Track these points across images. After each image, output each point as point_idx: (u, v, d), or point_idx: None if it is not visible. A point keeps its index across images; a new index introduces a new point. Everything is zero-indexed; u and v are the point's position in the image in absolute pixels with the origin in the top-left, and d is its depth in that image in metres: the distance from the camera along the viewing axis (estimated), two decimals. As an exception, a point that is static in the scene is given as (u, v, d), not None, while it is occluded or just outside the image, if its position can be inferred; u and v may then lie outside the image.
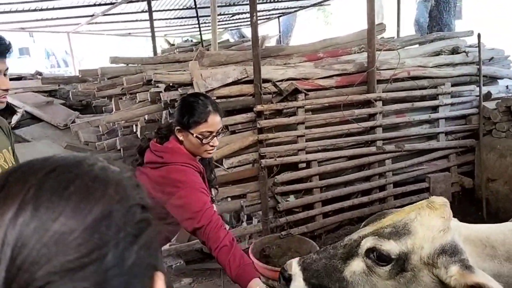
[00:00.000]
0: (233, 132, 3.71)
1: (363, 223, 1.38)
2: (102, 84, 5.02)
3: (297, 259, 1.38)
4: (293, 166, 3.91)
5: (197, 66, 3.60)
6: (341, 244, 1.31)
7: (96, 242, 0.43)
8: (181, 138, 1.90)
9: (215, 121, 1.89)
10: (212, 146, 1.92)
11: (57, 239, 0.42)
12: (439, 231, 1.19)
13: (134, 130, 4.93)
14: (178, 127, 1.88)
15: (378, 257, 1.20)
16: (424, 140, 4.50)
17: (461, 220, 4.24)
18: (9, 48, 1.55)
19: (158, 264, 0.51)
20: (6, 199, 0.44)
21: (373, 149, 4.12)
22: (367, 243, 1.23)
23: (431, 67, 4.45)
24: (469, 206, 4.52)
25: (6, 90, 1.60)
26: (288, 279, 1.34)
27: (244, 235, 3.95)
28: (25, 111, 5.90)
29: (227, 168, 3.73)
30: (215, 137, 1.92)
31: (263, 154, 3.70)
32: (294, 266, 1.34)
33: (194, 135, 1.85)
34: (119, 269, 0.44)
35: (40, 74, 7.98)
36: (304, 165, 3.91)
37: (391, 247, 1.19)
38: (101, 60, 7.09)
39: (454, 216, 4.09)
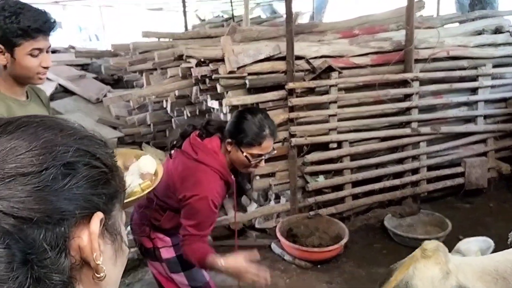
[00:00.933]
0: (263, 110, 3.66)
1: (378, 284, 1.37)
2: (133, 59, 5.02)
3: None
4: (324, 146, 3.84)
5: (229, 42, 3.54)
6: None
7: (42, 160, 0.50)
8: (229, 149, 1.88)
9: (268, 145, 1.87)
10: (257, 166, 1.91)
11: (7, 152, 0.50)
12: (439, 280, 1.19)
13: (164, 106, 4.95)
14: (230, 140, 1.86)
15: None
16: (461, 123, 4.33)
17: (496, 207, 4.10)
18: (54, 25, 1.58)
19: (106, 209, 0.56)
20: None
21: (407, 130, 3.99)
22: None
23: (472, 47, 4.24)
24: (505, 193, 4.37)
25: (47, 67, 1.63)
26: None
27: (272, 214, 3.94)
28: (59, 84, 6.00)
29: (257, 146, 3.69)
30: (263, 160, 1.90)
31: (294, 133, 3.64)
32: None
33: (244, 154, 1.83)
34: (56, 184, 0.50)
35: (73, 47, 8.06)
36: (335, 145, 3.84)
37: None
38: (133, 34, 7.10)
39: (489, 203, 3.94)
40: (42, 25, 1.55)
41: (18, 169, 0.49)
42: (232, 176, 1.96)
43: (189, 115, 4.71)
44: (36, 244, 0.47)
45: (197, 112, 4.60)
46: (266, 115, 1.95)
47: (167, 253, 2.10)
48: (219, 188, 1.88)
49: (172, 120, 5.13)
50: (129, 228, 2.25)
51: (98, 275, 0.54)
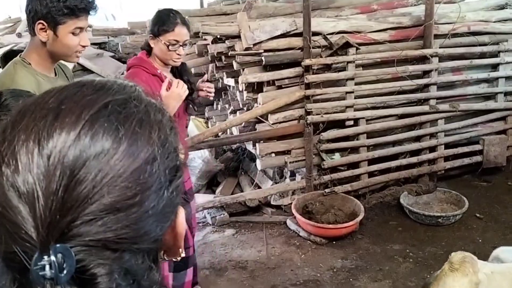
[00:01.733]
0: (279, 87, 3.65)
1: None
2: (150, 37, 5.02)
3: None
4: (340, 124, 3.82)
5: (245, 18, 3.51)
6: None
7: (141, 186, 0.45)
8: (152, 45, 2.20)
9: (181, 32, 2.17)
10: (178, 54, 2.19)
11: (111, 177, 0.43)
12: None
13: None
14: (151, 35, 2.19)
15: None
16: (481, 100, 4.25)
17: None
18: (96, 6, 1.64)
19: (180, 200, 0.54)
20: (62, 128, 0.44)
21: (425, 108, 3.94)
22: None
23: (493, 22, 4.13)
24: (525, 171, 4.31)
25: (85, 46, 1.68)
26: None
27: (287, 191, 3.97)
28: (77, 62, 6.06)
29: (272, 124, 3.69)
30: (181, 47, 2.19)
31: (310, 110, 3.63)
32: None
33: (163, 41, 2.14)
34: (153, 211, 0.46)
35: (90, 26, 8.09)
36: (351, 122, 3.82)
37: None
38: (150, 13, 7.07)
39: (508, 181, 3.90)
40: (88, 4, 1.60)
41: (112, 204, 0.44)
42: (162, 72, 2.23)
43: (205, 93, 4.72)
44: (137, 269, 0.46)
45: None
46: (177, 11, 2.27)
47: None
48: (143, 77, 2.17)
49: (189, 98, 5.14)
50: None
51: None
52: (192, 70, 4.36)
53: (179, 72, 2.37)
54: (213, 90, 2.52)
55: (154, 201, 0.46)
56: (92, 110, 0.45)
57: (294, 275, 3.13)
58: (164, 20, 2.16)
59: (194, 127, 4.55)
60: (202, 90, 2.53)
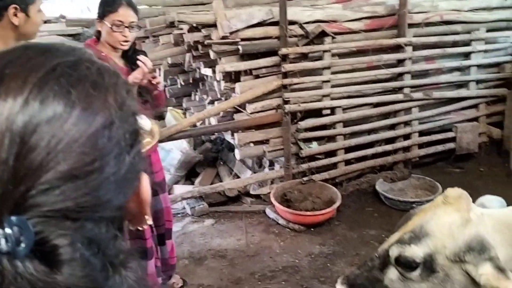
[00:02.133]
0: (257, 77, 3.66)
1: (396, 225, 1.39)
2: (125, 27, 4.95)
3: (339, 279, 1.41)
4: (317, 113, 3.86)
5: (221, 6, 3.50)
6: (376, 255, 1.35)
7: (99, 152, 0.43)
8: (99, 28, 2.19)
9: (126, 13, 2.16)
10: (124, 36, 2.15)
11: (65, 143, 0.41)
12: (457, 227, 1.18)
13: (158, 75, 4.91)
14: (97, 18, 2.19)
15: (405, 263, 1.22)
16: (453, 88, 4.35)
17: (487, 171, 4.16)
18: None
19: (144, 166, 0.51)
20: (7, 93, 0.41)
21: (400, 96, 4.01)
22: (393, 252, 1.25)
23: (466, 11, 4.21)
24: (496, 157, 4.44)
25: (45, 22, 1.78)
26: None
27: (266, 180, 4.00)
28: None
29: (250, 113, 3.71)
30: (127, 29, 2.15)
31: (287, 99, 3.66)
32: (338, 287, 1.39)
33: (108, 24, 2.13)
34: (115, 177, 0.44)
35: (64, 17, 7.92)
36: (328, 111, 3.86)
37: (414, 251, 1.20)
38: (124, 3, 6.95)
39: (480, 167, 3.99)
40: None
41: (69, 171, 0.41)
42: (111, 57, 2.19)
43: (182, 83, 4.69)
44: (101, 238, 0.44)
45: (191, 80, 4.59)
46: None
47: None
48: None
49: (166, 89, 5.10)
50: None
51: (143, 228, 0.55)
52: (169, 60, 4.34)
53: (130, 57, 2.31)
54: (150, 64, 2.27)
55: (115, 167, 0.44)
56: (39, 73, 0.42)
57: (273, 262, 3.17)
58: (109, 1, 2.17)
59: (172, 118, 4.52)
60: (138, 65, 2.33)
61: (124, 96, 0.48)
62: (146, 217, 0.53)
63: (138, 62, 2.26)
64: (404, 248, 1.22)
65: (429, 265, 1.19)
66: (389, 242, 1.29)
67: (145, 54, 2.40)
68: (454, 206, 1.22)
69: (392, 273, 1.27)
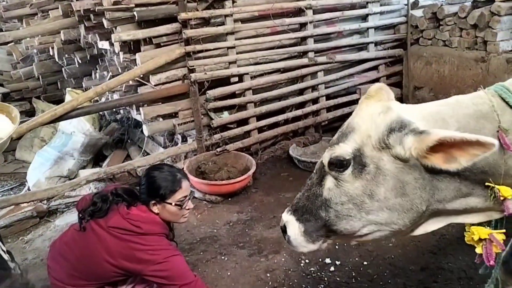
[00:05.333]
0: (158, 46, 3.47)
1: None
2: (8, 3, 4.48)
3: (285, 210, 1.42)
4: (226, 81, 3.78)
5: (110, -30, 3.25)
6: (314, 171, 1.35)
7: None
8: (156, 211, 1.92)
9: (187, 185, 1.98)
10: (187, 209, 1.98)
11: None
12: (379, 114, 1.20)
13: (51, 54, 4.52)
14: (153, 201, 1.91)
15: (338, 164, 1.22)
16: (355, 51, 4.50)
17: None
18: None
19: None
20: None
21: (305, 60, 4.06)
22: (326, 158, 1.26)
23: (361, -25, 4.35)
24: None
25: None
26: (285, 229, 1.39)
27: (179, 154, 3.85)
28: None
29: (155, 85, 3.53)
30: (189, 200, 1.98)
31: (192, 67, 3.53)
32: (284, 216, 1.40)
33: (173, 203, 1.90)
34: None
35: None
36: (236, 79, 3.80)
37: (342, 149, 1.22)
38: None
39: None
40: None
41: None
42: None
43: (80, 61, 4.36)
44: None
45: (88, 58, 4.27)
46: (167, 164, 2.16)
47: None
48: (169, 245, 1.94)
49: (63, 69, 4.72)
50: None
51: None
52: (62, 37, 3.98)
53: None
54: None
55: None
56: None
57: (191, 235, 3.06)
58: (167, 181, 1.91)
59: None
60: None
61: None
62: None
63: None
64: (333, 150, 1.23)
65: (359, 160, 1.19)
66: (324, 154, 1.29)
67: None
68: (375, 98, 1.25)
69: (329, 182, 1.27)
